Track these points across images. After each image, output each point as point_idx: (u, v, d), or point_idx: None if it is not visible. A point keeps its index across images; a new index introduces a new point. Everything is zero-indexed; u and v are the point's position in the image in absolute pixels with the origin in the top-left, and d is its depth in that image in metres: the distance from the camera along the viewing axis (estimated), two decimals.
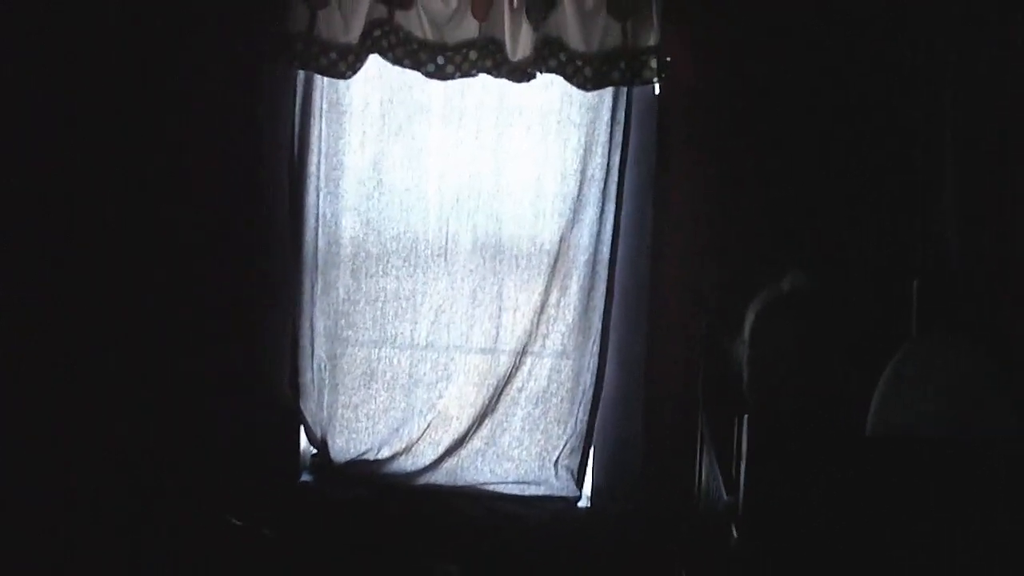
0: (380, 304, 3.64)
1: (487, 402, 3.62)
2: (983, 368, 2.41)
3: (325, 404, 3.67)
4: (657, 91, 3.56)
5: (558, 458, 3.62)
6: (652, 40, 3.46)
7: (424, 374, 3.64)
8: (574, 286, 3.58)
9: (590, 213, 3.56)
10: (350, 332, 3.65)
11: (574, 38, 3.45)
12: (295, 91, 3.63)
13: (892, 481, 2.16)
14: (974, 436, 2.29)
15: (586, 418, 3.60)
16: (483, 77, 3.52)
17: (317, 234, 3.63)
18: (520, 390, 3.62)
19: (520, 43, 3.46)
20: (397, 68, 3.53)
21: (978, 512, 2.13)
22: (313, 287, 3.65)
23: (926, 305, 2.87)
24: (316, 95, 3.62)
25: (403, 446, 3.65)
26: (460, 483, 3.65)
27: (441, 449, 3.64)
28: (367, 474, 3.67)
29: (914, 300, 2.87)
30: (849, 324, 2.79)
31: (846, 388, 2.64)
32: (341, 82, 3.58)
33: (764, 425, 2.29)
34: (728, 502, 2.54)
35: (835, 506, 2.18)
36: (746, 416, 2.27)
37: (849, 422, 2.51)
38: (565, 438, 3.62)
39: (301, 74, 3.62)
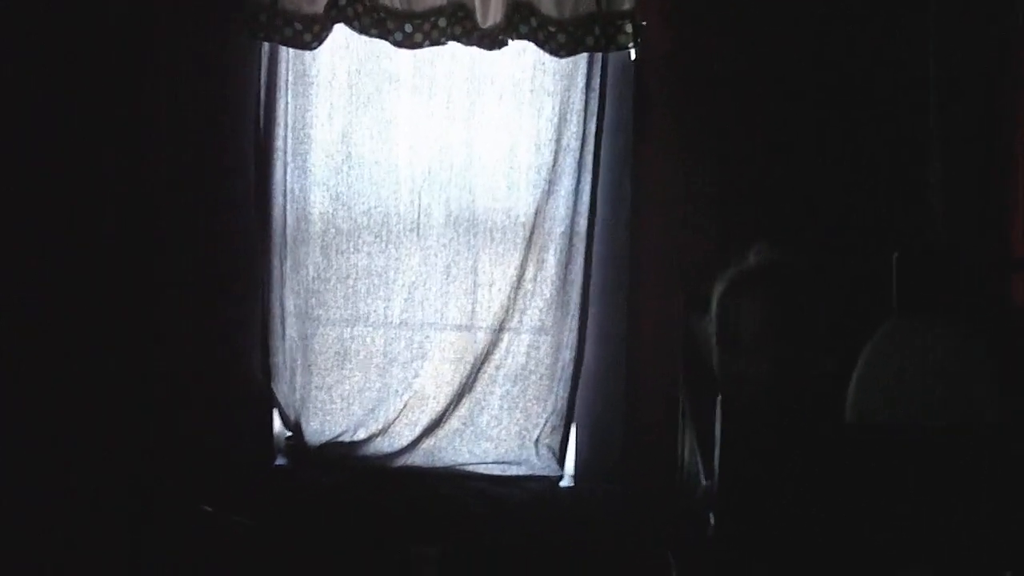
0: (352, 281, 3.54)
1: (464, 381, 3.53)
2: (968, 350, 2.29)
3: (298, 386, 3.57)
4: (633, 57, 3.45)
5: (538, 437, 3.53)
6: (627, 4, 3.36)
7: (399, 353, 3.55)
8: (551, 259, 3.48)
9: (566, 184, 3.46)
10: (321, 311, 3.55)
11: (546, 3, 3.35)
12: (260, 64, 3.52)
13: (870, 468, 2.08)
14: (957, 423, 2.19)
15: (566, 395, 3.51)
16: (453, 45, 3.42)
17: (285, 211, 3.53)
18: (498, 368, 3.53)
19: (490, 9, 3.36)
20: (364, 37, 3.43)
21: (960, 500, 2.04)
22: (282, 265, 3.55)
23: (907, 282, 2.70)
24: (282, 67, 3.51)
25: (379, 427, 3.56)
26: (438, 464, 3.56)
27: (418, 430, 3.55)
28: (343, 457, 3.57)
29: (894, 276, 2.70)
30: (823, 300, 2.66)
31: (821, 369, 2.52)
32: (307, 53, 3.48)
33: (737, 409, 2.21)
34: (706, 487, 2.45)
35: (812, 494, 2.09)
36: (719, 399, 2.18)
37: (825, 405, 2.40)
38: (545, 416, 3.53)
39: (266, 46, 3.51)
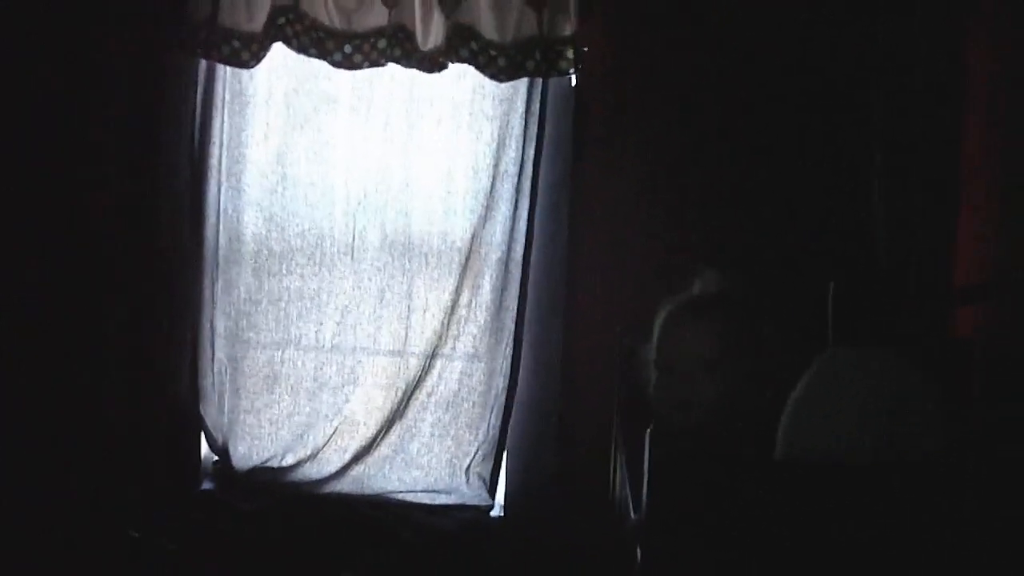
0: (283, 304, 3.48)
1: (395, 407, 3.47)
2: (906, 382, 2.23)
3: (226, 409, 3.50)
4: (574, 83, 3.43)
5: (469, 465, 3.48)
6: (568, 29, 3.33)
7: (329, 377, 3.48)
8: (486, 285, 3.44)
9: (503, 209, 3.42)
10: (252, 333, 3.49)
11: (487, 27, 3.32)
12: (196, 81, 3.47)
13: (803, 503, 2.02)
14: (893, 460, 2.13)
15: (499, 424, 3.46)
16: (393, 67, 3.38)
17: (218, 230, 3.47)
18: (430, 394, 3.47)
19: (431, 31, 3.32)
20: (303, 57, 3.38)
21: (899, 537, 1.99)
22: (213, 286, 3.49)
23: (843, 311, 2.65)
24: (218, 85, 3.47)
25: (308, 453, 3.49)
26: (367, 491, 3.49)
27: (348, 456, 3.48)
28: (271, 482, 3.50)
29: (830, 306, 2.65)
30: (764, 330, 2.62)
31: (759, 401, 2.46)
32: (244, 72, 3.43)
33: (668, 441, 2.15)
34: (634, 522, 2.39)
35: (744, 530, 2.03)
36: (648, 431, 2.12)
37: (762, 439, 2.34)
38: (476, 444, 3.47)
39: (203, 64, 3.46)
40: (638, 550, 2.18)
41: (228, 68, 3.43)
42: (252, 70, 3.41)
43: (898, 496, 2.02)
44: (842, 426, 2.20)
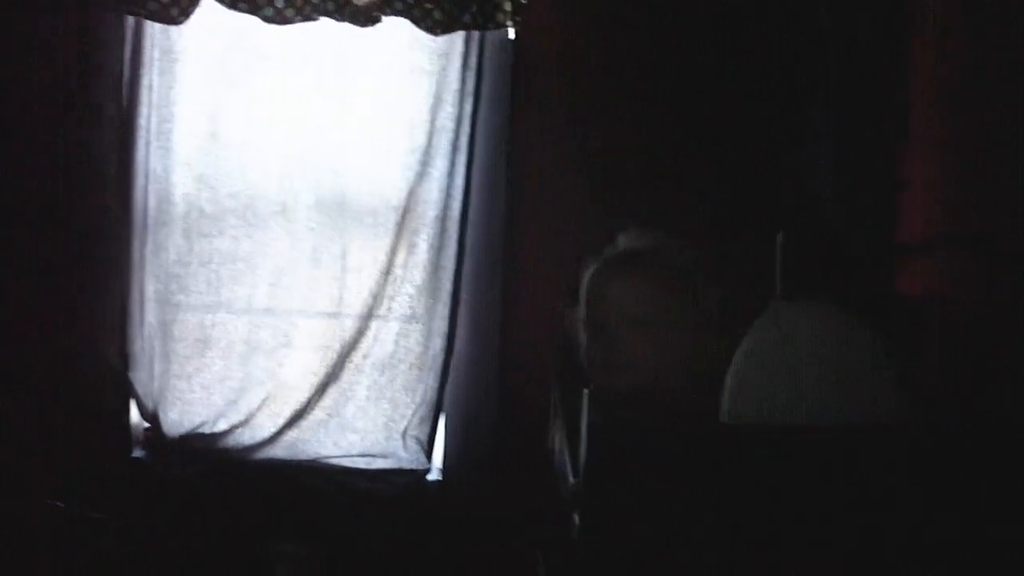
0: (215, 266, 3.39)
1: (330, 370, 3.39)
2: (859, 339, 2.13)
3: (157, 374, 3.41)
4: (512, 36, 3.36)
5: (406, 429, 3.40)
6: None
7: (263, 341, 3.40)
8: (423, 245, 3.36)
9: (440, 166, 3.35)
10: (182, 296, 3.40)
11: None
12: (124, 39, 3.37)
13: (747, 466, 1.94)
14: (846, 421, 2.04)
15: (436, 386, 3.38)
16: (325, 21, 3.30)
17: (147, 191, 3.38)
18: (365, 357, 3.39)
19: None
20: (233, 12, 3.30)
21: (849, 501, 1.91)
22: (143, 248, 3.39)
23: (792, 264, 2.56)
24: (147, 43, 3.37)
25: (241, 418, 3.40)
26: (302, 457, 3.41)
27: (281, 421, 3.40)
28: (203, 448, 3.41)
29: (777, 258, 2.56)
30: (697, 286, 2.51)
31: (698, 360, 2.37)
32: (173, 29, 3.34)
33: (605, 403, 2.07)
34: (573, 485, 2.31)
35: (685, 497, 1.94)
36: (585, 392, 2.04)
37: (701, 398, 2.26)
38: (413, 407, 3.39)
39: (130, 20, 3.36)
40: (576, 515, 2.10)
41: (156, 24, 3.34)
42: (181, 27, 3.33)
43: (848, 458, 1.95)
44: (789, 384, 2.11)
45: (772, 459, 1.94)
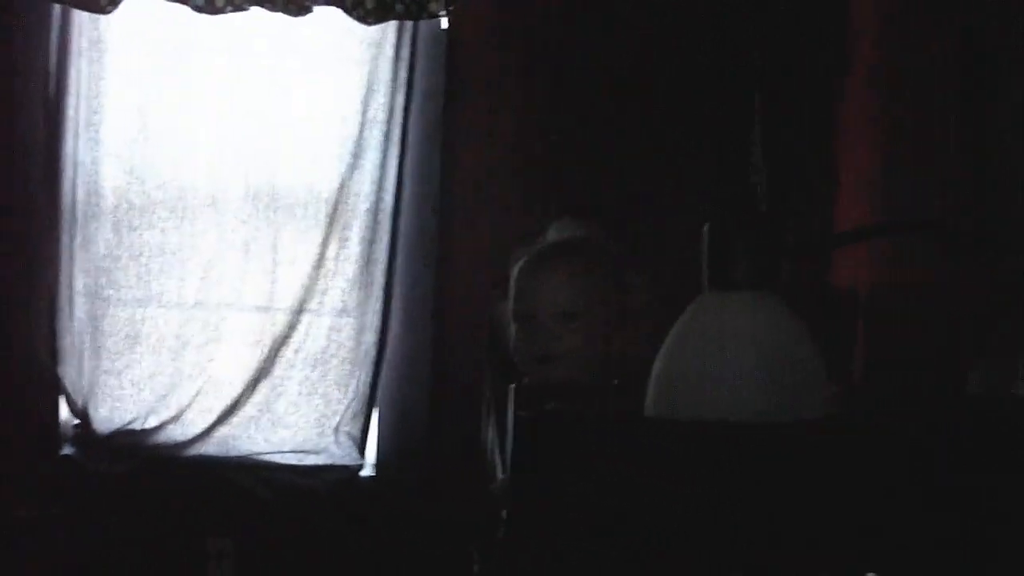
0: (144, 260, 3.34)
1: (262, 365, 3.34)
2: (792, 329, 2.02)
3: (86, 370, 3.35)
4: (445, 26, 3.33)
5: (338, 424, 3.36)
6: None
7: (193, 335, 3.35)
8: (354, 237, 3.32)
9: (372, 158, 3.31)
10: (112, 291, 3.34)
11: None
12: (50, 28, 3.31)
13: (677, 466, 1.89)
14: (779, 414, 1.97)
15: (368, 381, 3.34)
16: (256, 11, 3.25)
17: (75, 184, 3.33)
18: (297, 351, 3.35)
19: None
20: (163, 1, 3.25)
21: (781, 499, 1.86)
22: (72, 242, 3.33)
23: (720, 254, 2.46)
24: (74, 32, 3.32)
25: (171, 414, 3.35)
26: (233, 453, 3.36)
27: (212, 417, 3.35)
28: (133, 445, 3.36)
29: (705, 248, 2.48)
30: (626, 277, 2.46)
31: (628, 352, 2.32)
32: (102, 18, 3.28)
33: (532, 397, 2.02)
34: (502, 481, 2.27)
35: (613, 492, 1.89)
36: (511, 387, 1.99)
37: (633, 390, 2.20)
38: (346, 403, 3.35)
39: (56, 9, 3.31)
40: (504, 512, 2.06)
41: (85, 14, 3.29)
42: (110, 16, 3.27)
43: (780, 455, 1.90)
44: (719, 378, 2.05)
45: (700, 453, 1.90)
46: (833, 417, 1.92)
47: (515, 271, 2.55)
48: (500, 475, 2.54)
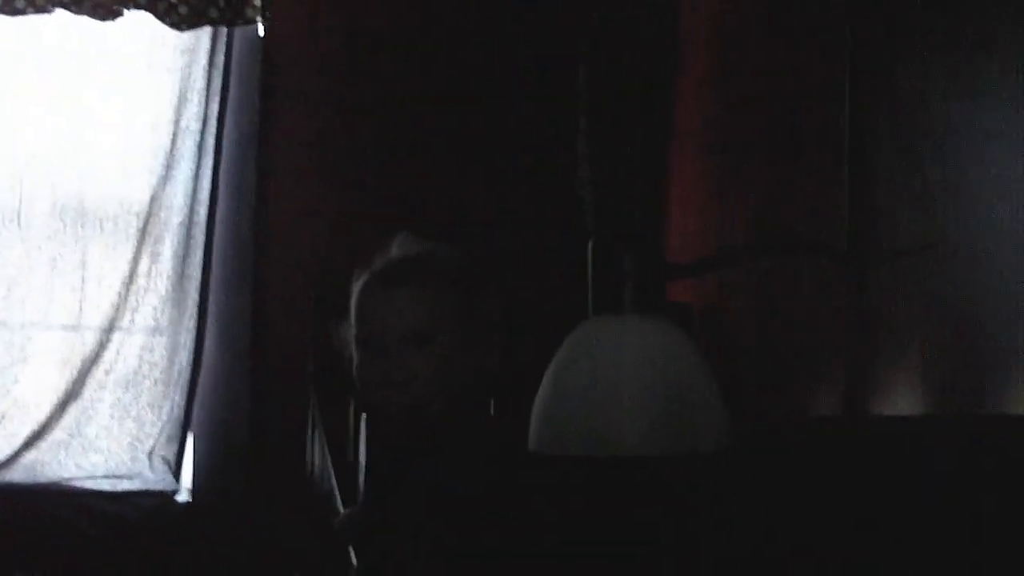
0: None
1: (70, 387, 3.19)
2: (685, 354, 1.80)
3: None
4: (261, 33, 3.23)
5: (153, 448, 3.23)
6: None
7: None
8: (167, 252, 3.21)
9: (185, 169, 3.21)
10: None
11: None
12: None
13: (556, 502, 1.78)
14: (673, 445, 1.82)
15: (183, 402, 3.23)
16: (61, 13, 3.11)
17: None
18: (108, 372, 3.21)
19: None
20: None
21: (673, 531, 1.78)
22: None
23: (604, 277, 2.26)
24: None
25: None
26: (42, 479, 3.20)
27: (18, 442, 3.19)
28: None
29: (590, 268, 2.30)
30: (482, 298, 2.32)
31: (478, 373, 2.18)
32: None
33: (388, 430, 1.90)
34: (346, 515, 2.14)
35: (479, 529, 1.77)
36: (364, 416, 1.87)
37: (485, 415, 2.10)
38: (160, 425, 3.23)
39: None
40: (351, 548, 1.94)
41: None
42: None
43: (675, 486, 1.81)
44: (607, 407, 1.89)
45: (579, 487, 1.81)
46: (722, 449, 1.79)
47: (356, 291, 2.41)
48: (341, 508, 2.42)
